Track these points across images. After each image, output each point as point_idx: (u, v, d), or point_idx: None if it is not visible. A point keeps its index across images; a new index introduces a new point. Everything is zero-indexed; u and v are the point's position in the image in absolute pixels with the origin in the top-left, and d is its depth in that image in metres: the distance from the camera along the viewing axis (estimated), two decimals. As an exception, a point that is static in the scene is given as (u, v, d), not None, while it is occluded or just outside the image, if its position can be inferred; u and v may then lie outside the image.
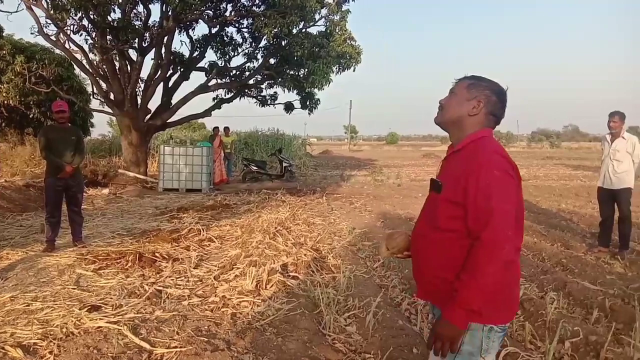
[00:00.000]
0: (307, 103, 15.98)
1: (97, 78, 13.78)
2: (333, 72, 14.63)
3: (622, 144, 6.20)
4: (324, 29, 14.90)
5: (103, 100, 14.19)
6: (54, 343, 3.28)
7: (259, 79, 16.32)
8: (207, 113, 15.96)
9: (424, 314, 4.10)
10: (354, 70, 15.32)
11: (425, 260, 1.93)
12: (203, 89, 15.19)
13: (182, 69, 15.62)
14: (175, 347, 3.29)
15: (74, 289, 4.59)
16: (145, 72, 14.60)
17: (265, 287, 4.66)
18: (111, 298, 4.31)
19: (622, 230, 6.29)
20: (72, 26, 13.61)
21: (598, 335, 3.51)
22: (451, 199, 1.79)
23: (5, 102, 14.86)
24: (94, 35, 13.57)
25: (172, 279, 4.95)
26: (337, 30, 14.77)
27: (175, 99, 15.28)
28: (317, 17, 14.16)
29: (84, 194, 7.49)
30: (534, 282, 5.00)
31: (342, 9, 14.74)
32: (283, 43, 13.95)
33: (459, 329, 1.72)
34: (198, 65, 15.90)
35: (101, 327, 3.57)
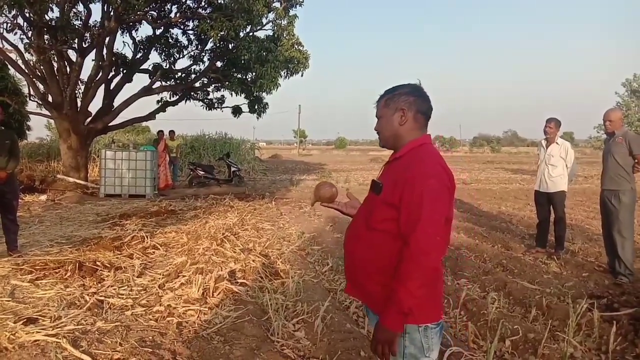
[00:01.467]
0: (256, 107, 15.88)
1: (34, 79, 13.14)
2: (281, 76, 14.61)
3: (556, 149, 6.52)
4: (271, 34, 14.88)
5: (40, 102, 13.54)
6: (-14, 360, 3.10)
7: (206, 82, 16.11)
8: (151, 116, 15.57)
9: (372, 317, 4.16)
10: (302, 75, 15.37)
11: (358, 258, 2.00)
12: (147, 91, 14.80)
13: (124, 71, 15.16)
14: (118, 359, 3.19)
15: (9, 301, 4.35)
16: (85, 74, 14.07)
17: (212, 294, 4.58)
18: (49, 310, 4.11)
19: (557, 232, 6.60)
20: (5, 24, 12.91)
21: (536, 332, 3.68)
22: (388, 201, 1.86)
23: None
24: (30, 35, 12.93)
25: (114, 289, 4.78)
26: (284, 35, 14.77)
27: (117, 101, 14.83)
28: (264, 21, 14.11)
29: (20, 200, 7.13)
30: (476, 283, 5.18)
31: (290, 14, 14.75)
32: (230, 46, 13.83)
33: (394, 332, 1.79)
34: (141, 67, 15.50)
35: (38, 340, 3.41)
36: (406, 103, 1.95)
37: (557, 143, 6.55)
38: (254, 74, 14.15)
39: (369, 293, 1.98)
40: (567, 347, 3.42)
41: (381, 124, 2.03)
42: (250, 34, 13.99)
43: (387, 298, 1.81)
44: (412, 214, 1.77)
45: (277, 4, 14.43)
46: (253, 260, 5.71)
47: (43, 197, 11.59)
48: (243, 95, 15.49)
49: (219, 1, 13.18)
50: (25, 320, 3.81)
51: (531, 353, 3.47)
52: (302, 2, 14.62)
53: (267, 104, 16.11)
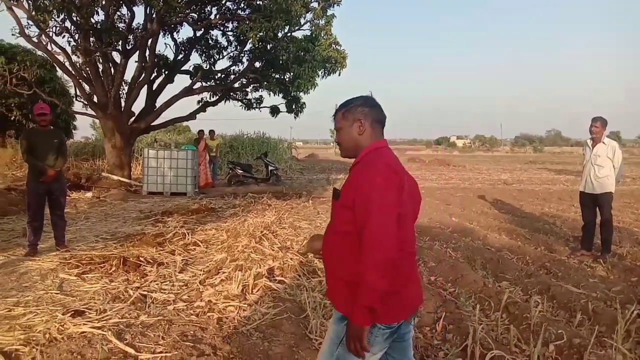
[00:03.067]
0: (293, 107, 16.00)
1: (80, 80, 13.63)
2: (319, 76, 14.66)
3: (603, 149, 6.30)
4: (309, 34, 14.94)
5: (86, 102, 14.03)
6: (37, 349, 3.23)
7: (244, 83, 16.29)
8: (191, 116, 15.88)
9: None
10: (339, 75, 15.37)
11: (326, 260, 2.12)
12: (188, 92, 15.11)
13: (166, 72, 15.54)
14: (161, 352, 3.27)
15: (57, 293, 4.53)
16: (129, 75, 14.49)
17: (252, 291, 4.64)
18: (95, 303, 4.26)
19: (604, 234, 6.37)
20: (54, 28, 13.46)
21: (581, 338, 3.56)
22: (345, 204, 1.96)
23: (-15, 104, 14.64)
24: (77, 37, 13.43)
25: (156, 284, 4.90)
26: (322, 35, 14.81)
27: (159, 101, 15.22)
28: (302, 21, 14.19)
29: (67, 197, 7.40)
30: (519, 286, 5.05)
31: (328, 14, 14.78)
32: (268, 47, 13.96)
33: (361, 327, 1.86)
34: (183, 68, 15.84)
35: (85, 332, 3.52)
36: (362, 114, 2.08)
37: (603, 143, 6.33)
38: (291, 74, 14.26)
39: (334, 292, 2.07)
40: (615, 354, 3.30)
41: (341, 135, 2.14)
42: (289, 34, 14.09)
43: (349, 296, 1.89)
44: (363, 212, 1.85)
45: (315, 4, 14.48)
46: (291, 259, 5.75)
47: (89, 194, 11.98)
48: (281, 95, 15.63)
49: (258, 2, 13.34)
50: (73, 312, 3.96)
51: (576, 359, 3.37)
52: (340, 1, 14.62)
53: (304, 103, 16.19)
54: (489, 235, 7.48)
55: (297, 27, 14.27)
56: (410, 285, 2.04)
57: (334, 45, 15.08)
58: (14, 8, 12.39)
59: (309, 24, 14.74)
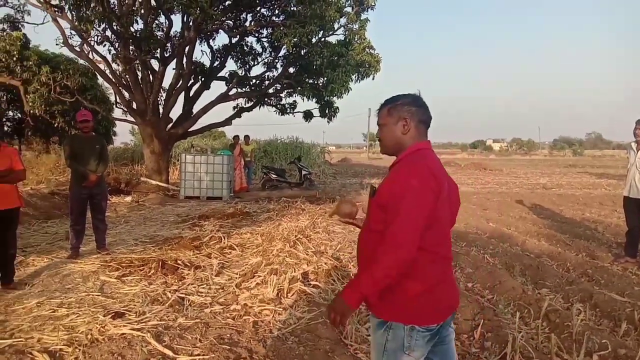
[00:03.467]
0: (326, 111, 16.02)
1: (120, 88, 14.03)
2: (352, 80, 14.62)
3: (649, 152, 6.08)
4: (343, 38, 14.95)
5: (126, 109, 14.43)
6: (79, 349, 3.32)
7: (279, 88, 16.42)
8: (227, 122, 16.10)
9: (447, 324, 4.06)
10: (373, 79, 15.31)
11: (360, 258, 2.13)
12: (223, 98, 15.34)
13: (203, 79, 15.81)
14: (198, 354, 3.31)
15: (98, 295, 4.65)
16: (167, 82, 14.86)
17: (287, 295, 4.66)
18: (134, 305, 4.36)
19: (649, 240, 6.15)
20: (96, 37, 13.95)
21: (628, 348, 3.43)
22: (379, 203, 1.96)
23: (31, 111, 15.21)
24: (117, 46, 13.85)
25: (194, 287, 4.98)
26: (356, 39, 14.80)
27: (196, 108, 15.48)
28: (336, 26, 14.22)
29: (108, 201, 7.61)
30: (559, 293, 4.91)
31: (361, 18, 14.77)
32: (302, 52, 14.02)
33: (348, 307, 1.89)
34: (219, 75, 16.08)
35: (125, 333, 3.61)
36: (408, 112, 2.04)
37: (649, 145, 6.10)
38: (325, 78, 14.28)
39: None
40: (663, 365, 3.17)
41: (383, 132, 2.11)
42: (322, 39, 14.13)
43: (384, 297, 1.93)
44: (392, 211, 1.86)
45: (348, 9, 14.50)
46: (325, 263, 5.74)
47: (128, 199, 12.28)
48: (314, 100, 15.68)
49: (292, 8, 13.43)
50: (113, 314, 4.06)
51: (622, 369, 3.25)
52: (374, 5, 14.59)
53: (337, 108, 16.19)
54: (527, 241, 7.30)
55: (331, 32, 14.30)
56: (446, 287, 2.02)
57: (367, 49, 15.03)
58: (58, 19, 12.90)
59: (342, 28, 14.77)
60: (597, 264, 6.08)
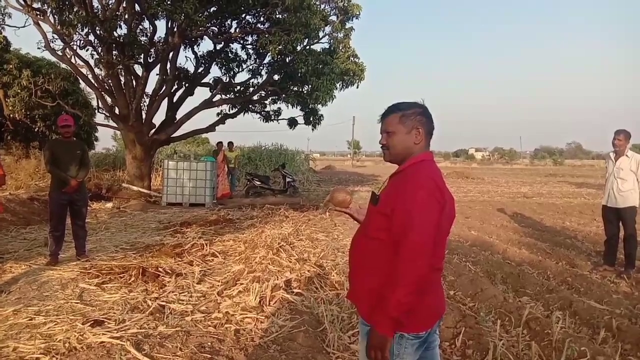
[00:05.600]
0: (311, 119, 16.05)
1: (103, 92, 13.89)
2: (337, 88, 14.71)
3: (626, 162, 6.20)
4: (327, 46, 15.06)
5: (108, 114, 14.30)
6: (57, 358, 3.27)
7: (263, 95, 16.42)
8: (211, 128, 16.04)
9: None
10: (357, 87, 15.42)
11: (354, 263, 2.13)
12: (207, 104, 15.29)
13: (186, 85, 15.74)
14: (179, 363, 3.27)
15: (77, 303, 4.58)
16: (150, 87, 14.75)
17: (269, 303, 4.63)
18: (114, 313, 4.29)
19: (627, 249, 6.25)
20: (78, 41, 13.79)
21: (606, 355, 3.47)
22: (382, 211, 1.96)
23: (11, 115, 15.00)
24: (100, 51, 13.70)
25: (175, 294, 4.93)
26: (340, 48, 14.91)
27: (179, 114, 15.42)
28: (321, 34, 14.32)
29: (88, 207, 7.51)
30: (539, 301, 4.96)
31: (346, 27, 14.91)
32: (287, 60, 14.06)
33: (385, 337, 1.85)
34: (203, 81, 16.03)
35: (104, 342, 3.55)
36: (421, 122, 2.04)
37: (627, 156, 6.22)
38: (310, 86, 14.32)
39: (361, 298, 2.07)
40: (640, 372, 3.21)
41: (393, 139, 2.06)
42: (307, 47, 14.19)
43: (375, 304, 1.90)
44: (403, 223, 1.84)
45: (333, 17, 14.62)
46: (308, 271, 5.73)
47: (109, 205, 12.14)
48: (299, 108, 15.71)
49: (278, 16, 13.48)
50: (92, 322, 4.00)
51: (600, 377, 3.29)
52: (359, 14, 14.73)
53: (322, 115, 16.25)
54: (508, 249, 7.38)
55: (315, 40, 14.39)
56: (435, 296, 2.05)
57: (352, 58, 15.16)
58: (40, 22, 12.75)
59: (327, 37, 14.90)
60: (577, 272, 6.17)
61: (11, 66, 14.91)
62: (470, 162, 74.56)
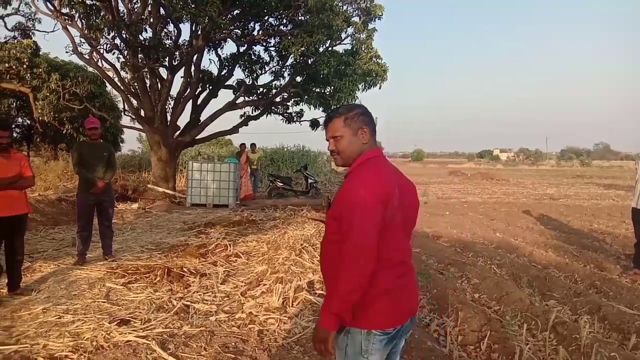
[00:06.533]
0: (333, 120, 15.98)
1: (129, 95, 14.11)
2: (359, 89, 14.63)
3: (658, 163, 6.04)
4: (350, 47, 15.00)
5: (134, 117, 14.50)
6: (85, 356, 3.33)
7: (286, 97, 16.45)
8: (234, 130, 16.15)
9: (453, 336, 4.03)
10: (379, 88, 15.32)
11: (322, 267, 2.18)
12: (231, 106, 15.40)
13: (210, 87, 15.88)
14: (203, 363, 3.30)
15: (104, 302, 4.66)
16: (175, 90, 14.92)
17: (292, 304, 4.65)
18: (140, 312, 4.36)
19: (658, 252, 6.09)
20: (105, 45, 14.05)
21: (636, 361, 3.39)
22: (332, 215, 2.03)
23: (40, 118, 15.30)
24: (126, 54, 13.94)
25: (199, 294, 4.98)
26: (363, 49, 14.83)
27: (203, 116, 15.54)
28: (343, 35, 14.28)
29: (115, 208, 7.63)
30: (567, 305, 4.87)
31: (369, 28, 14.84)
32: (310, 61, 14.06)
33: (327, 331, 1.92)
34: (226, 83, 16.15)
35: (130, 341, 3.61)
36: (365, 122, 2.10)
37: (658, 156, 6.07)
38: (332, 87, 14.29)
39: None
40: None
41: (342, 143, 2.11)
42: (330, 48, 14.18)
43: (325, 303, 1.98)
44: (345, 222, 1.91)
45: (356, 19, 14.57)
46: (331, 272, 5.71)
47: (135, 206, 12.32)
48: (321, 109, 15.69)
49: (300, 18, 13.50)
50: (119, 321, 4.07)
51: (631, 383, 3.20)
52: (381, 15, 14.65)
53: (344, 117, 16.16)
54: (535, 252, 7.25)
55: (338, 42, 14.36)
56: (402, 292, 2.05)
57: (374, 59, 15.07)
58: (68, 27, 13.04)
59: (350, 38, 14.84)
60: (606, 275, 6.03)
61: (40, 70, 15.25)
62: (495, 163, 73.57)
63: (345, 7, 14.10)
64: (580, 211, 13.26)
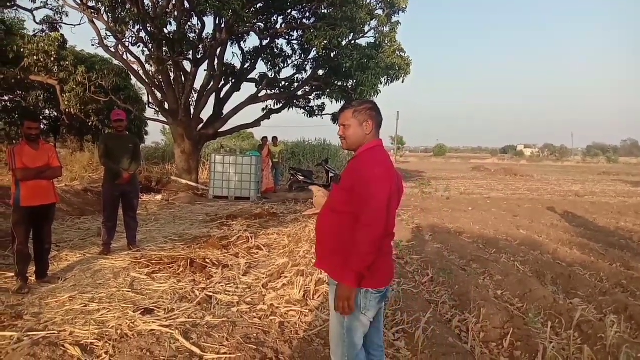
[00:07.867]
0: (355, 114, 15.93)
1: (153, 88, 14.29)
2: (382, 83, 14.53)
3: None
4: (373, 41, 14.92)
5: (158, 109, 14.69)
6: (110, 344, 3.39)
7: (308, 90, 16.46)
8: (256, 123, 16.23)
9: (475, 332, 3.99)
10: (402, 82, 15.19)
11: (323, 234, 2.52)
12: (253, 99, 15.47)
13: (233, 80, 15.97)
14: (225, 353, 3.34)
15: (129, 291, 4.73)
16: (198, 83, 15.06)
17: (313, 297, 4.65)
18: (163, 302, 4.42)
19: (688, 251, 5.93)
20: (130, 38, 14.28)
21: (664, 362, 3.31)
22: (343, 187, 2.41)
23: (67, 110, 15.57)
24: (150, 47, 14.12)
25: (221, 285, 5.03)
26: (386, 42, 14.72)
27: (226, 109, 15.67)
28: (366, 28, 14.22)
29: (139, 199, 7.75)
30: (592, 304, 4.77)
31: (392, 21, 14.71)
32: (332, 54, 14.02)
33: (350, 288, 2.28)
34: (249, 77, 16.23)
35: (154, 330, 3.66)
36: (371, 116, 2.49)
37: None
38: (354, 81, 14.23)
39: (331, 264, 2.47)
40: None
41: (348, 131, 2.50)
42: (353, 41, 14.11)
43: (342, 263, 2.31)
44: (361, 195, 2.27)
45: (379, 11, 14.46)
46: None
47: (158, 197, 12.49)
48: (343, 102, 15.65)
49: (323, 11, 13.48)
50: (143, 310, 4.13)
51: (658, 384, 3.14)
52: (405, 8, 14.51)
53: (366, 110, 16.09)
54: (559, 249, 7.13)
55: (361, 35, 14.30)
56: (389, 257, 2.52)
57: (398, 52, 14.94)
58: (94, 20, 13.24)
59: (373, 31, 14.76)
60: (633, 274, 5.88)
61: (67, 63, 15.50)
62: (518, 158, 72.54)
63: (368, 0, 14.00)
64: (606, 209, 12.99)
